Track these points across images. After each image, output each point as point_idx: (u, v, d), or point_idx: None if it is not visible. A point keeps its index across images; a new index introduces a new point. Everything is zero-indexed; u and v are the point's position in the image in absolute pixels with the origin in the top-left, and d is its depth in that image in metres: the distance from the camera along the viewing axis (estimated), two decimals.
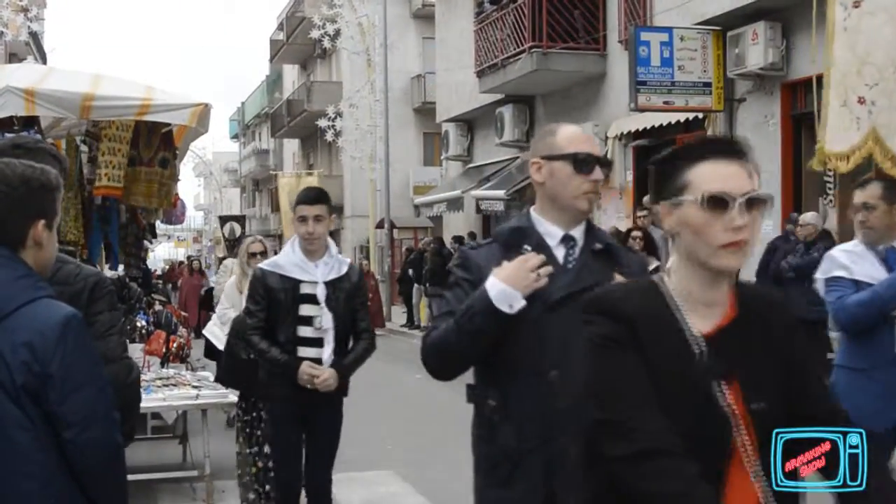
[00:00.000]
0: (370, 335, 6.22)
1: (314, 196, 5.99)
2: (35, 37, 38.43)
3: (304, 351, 5.94)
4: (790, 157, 15.02)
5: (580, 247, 3.49)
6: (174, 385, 8.57)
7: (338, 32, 30.55)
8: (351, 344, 6.16)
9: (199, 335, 12.87)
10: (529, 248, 3.37)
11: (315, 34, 30.48)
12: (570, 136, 3.50)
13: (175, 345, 10.59)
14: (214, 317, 9.42)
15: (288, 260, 5.99)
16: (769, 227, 14.62)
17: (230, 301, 8.65)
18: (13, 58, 35.91)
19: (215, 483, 8.31)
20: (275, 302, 5.94)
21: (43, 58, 38.83)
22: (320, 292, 5.94)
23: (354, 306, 6.10)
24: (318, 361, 5.93)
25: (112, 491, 3.04)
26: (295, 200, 6.01)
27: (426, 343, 3.49)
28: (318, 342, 5.96)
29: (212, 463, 8.21)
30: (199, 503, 8.29)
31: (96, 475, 2.95)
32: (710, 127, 16.45)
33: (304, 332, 5.95)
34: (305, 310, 5.94)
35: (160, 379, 8.82)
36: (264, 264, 6.22)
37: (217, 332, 9.10)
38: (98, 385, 2.94)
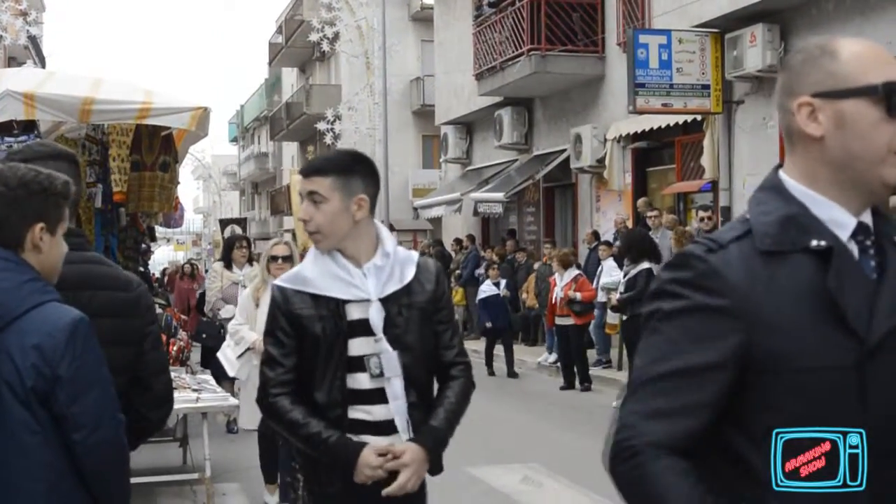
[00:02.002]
0: (465, 367, 3.88)
1: (313, 163, 3.85)
2: (34, 41, 38.46)
3: (359, 413, 3.71)
4: None
5: (876, 241, 2.13)
6: (175, 388, 8.57)
7: (336, 35, 30.56)
8: (436, 388, 3.92)
9: (195, 339, 12.86)
10: (821, 244, 2.03)
11: (314, 37, 30.48)
12: (867, 56, 2.12)
13: (175, 348, 10.59)
14: (228, 338, 8.47)
15: (319, 270, 3.72)
16: None
17: (245, 314, 7.97)
18: (12, 62, 35.95)
19: (216, 486, 8.33)
20: (308, 338, 3.67)
21: (42, 62, 38.85)
22: (376, 315, 3.67)
23: (435, 328, 3.81)
24: (385, 428, 3.70)
25: (117, 492, 3.08)
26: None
27: (628, 464, 2.03)
28: (379, 396, 3.70)
29: (212, 466, 8.21)
30: None
31: (103, 476, 2.99)
32: (708, 129, 16.48)
33: (359, 381, 3.69)
34: (358, 346, 3.67)
35: None
36: (284, 280, 3.82)
37: (230, 354, 8.34)
38: (105, 387, 2.97)
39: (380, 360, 3.67)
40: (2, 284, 2.88)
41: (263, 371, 3.76)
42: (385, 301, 3.70)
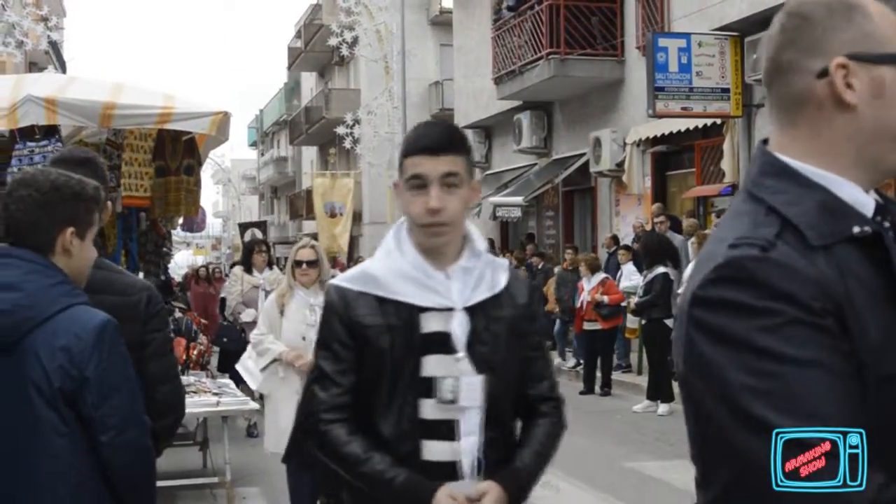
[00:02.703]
0: (557, 405, 3.19)
1: (441, 137, 2.99)
2: (55, 46, 38.68)
3: (432, 449, 2.96)
4: None
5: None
6: (195, 392, 8.60)
7: (356, 40, 30.60)
8: (519, 426, 3.20)
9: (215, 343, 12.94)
10: (866, 230, 1.78)
11: (333, 42, 30.51)
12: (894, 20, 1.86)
13: (195, 352, 10.63)
14: (249, 348, 7.97)
15: (390, 268, 3.03)
16: None
17: (268, 323, 7.36)
18: (33, 67, 36.16)
19: (236, 490, 8.35)
20: (372, 353, 2.97)
21: (62, 67, 39.04)
22: (459, 328, 2.96)
23: (525, 354, 3.11)
24: (443, 472, 2.94)
25: (143, 493, 3.11)
26: (403, 148, 3.05)
27: None
28: (445, 430, 2.97)
29: (232, 469, 8.24)
30: None
31: (129, 478, 3.01)
32: (728, 133, 16.43)
33: (431, 410, 2.96)
34: (433, 365, 2.95)
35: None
36: (345, 279, 3.12)
37: (252, 367, 7.86)
38: (131, 389, 3.00)
39: (458, 383, 2.92)
40: (31, 287, 2.91)
41: (314, 391, 3.02)
42: (471, 311, 2.98)
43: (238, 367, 8.43)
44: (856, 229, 1.76)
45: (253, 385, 8.02)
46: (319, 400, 3.00)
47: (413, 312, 2.95)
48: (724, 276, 1.74)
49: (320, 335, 3.11)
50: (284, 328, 7.22)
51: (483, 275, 3.04)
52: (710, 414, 1.75)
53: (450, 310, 2.96)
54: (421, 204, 2.93)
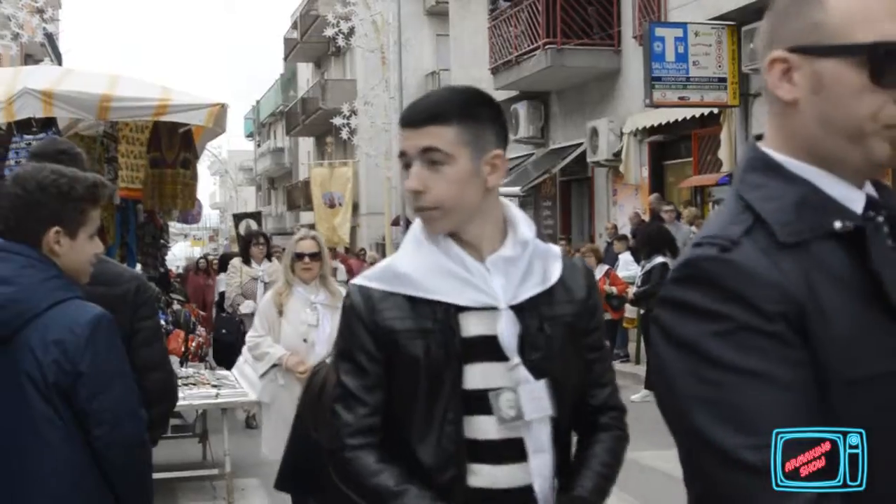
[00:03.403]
0: (619, 415, 2.69)
1: (427, 107, 2.51)
2: (50, 38, 38.56)
3: (479, 477, 2.48)
4: None
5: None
6: (193, 384, 8.60)
7: (352, 30, 30.54)
8: (574, 441, 2.69)
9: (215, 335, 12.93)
10: (848, 225, 1.71)
11: (329, 32, 30.45)
12: (860, 7, 1.73)
13: (194, 344, 10.62)
14: (245, 350, 7.28)
15: (422, 263, 2.54)
16: None
17: (265, 324, 6.70)
18: (29, 59, 36.06)
19: (235, 481, 8.35)
20: (404, 363, 2.49)
21: (58, 59, 38.98)
22: (507, 330, 2.47)
23: (584, 354, 2.63)
24: (517, 500, 2.48)
25: (138, 487, 3.11)
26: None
27: None
28: (510, 451, 2.48)
29: (232, 461, 8.24)
30: (220, 501, 8.33)
31: (124, 472, 3.01)
32: (725, 122, 16.44)
33: (480, 428, 2.48)
34: (479, 375, 2.48)
35: (179, 378, 8.86)
36: (369, 277, 2.61)
37: (250, 373, 7.32)
38: (126, 383, 3.00)
39: (517, 395, 2.44)
40: (24, 281, 2.92)
41: (336, 413, 2.53)
42: (519, 310, 2.49)
43: (234, 372, 8.00)
44: (837, 224, 1.69)
45: (251, 394, 7.50)
46: (343, 423, 2.51)
47: (451, 313, 2.47)
48: (682, 277, 1.71)
49: (341, 345, 2.60)
50: (284, 329, 6.61)
51: (531, 266, 2.54)
52: (668, 418, 1.74)
53: (494, 309, 2.47)
54: (407, 185, 2.51)
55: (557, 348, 2.50)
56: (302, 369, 6.30)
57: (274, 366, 6.64)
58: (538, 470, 2.48)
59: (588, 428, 2.64)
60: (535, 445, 2.48)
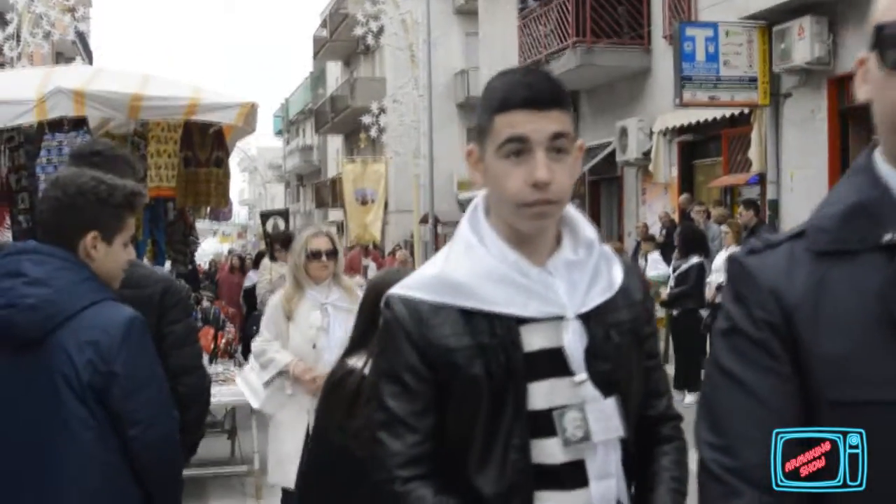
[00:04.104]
0: (678, 425, 2.49)
1: (548, 87, 2.22)
2: (82, 36, 38.83)
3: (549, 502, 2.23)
4: (837, 153, 14.89)
5: None
6: (223, 381, 8.64)
7: (381, 29, 30.57)
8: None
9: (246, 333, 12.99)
10: (894, 238, 1.60)
11: (358, 31, 30.49)
12: None
13: (223, 341, 10.67)
14: (251, 359, 6.85)
15: (477, 268, 2.26)
16: None
17: (273, 330, 6.20)
18: (60, 57, 36.30)
19: (264, 478, 8.38)
20: (463, 385, 2.22)
21: (89, 57, 39.21)
22: (574, 342, 2.24)
23: (644, 362, 2.40)
24: None
25: (170, 487, 3.13)
26: (491, 102, 2.25)
27: None
28: (574, 476, 2.24)
29: (261, 458, 8.27)
30: (249, 498, 8.37)
31: (157, 472, 3.03)
32: (755, 122, 16.35)
33: (545, 452, 2.23)
34: (545, 393, 2.23)
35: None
36: (413, 286, 2.31)
37: (254, 381, 6.77)
38: (159, 384, 3.03)
39: (584, 414, 2.21)
40: (59, 283, 2.94)
41: (382, 441, 2.25)
42: (584, 319, 2.24)
43: (237, 380, 7.46)
44: (886, 237, 1.59)
45: (254, 403, 6.84)
46: (391, 453, 2.23)
47: (512, 326, 2.20)
48: (727, 273, 1.80)
49: (383, 365, 2.33)
50: (292, 334, 6.10)
51: (598, 270, 2.30)
52: None
53: (559, 319, 2.22)
54: (521, 176, 2.17)
55: (623, 358, 2.29)
56: (309, 377, 5.90)
57: (281, 373, 6.12)
58: (602, 496, 2.24)
59: (648, 440, 2.40)
60: (599, 469, 2.24)
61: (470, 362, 2.19)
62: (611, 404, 2.24)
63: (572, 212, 2.36)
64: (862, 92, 1.70)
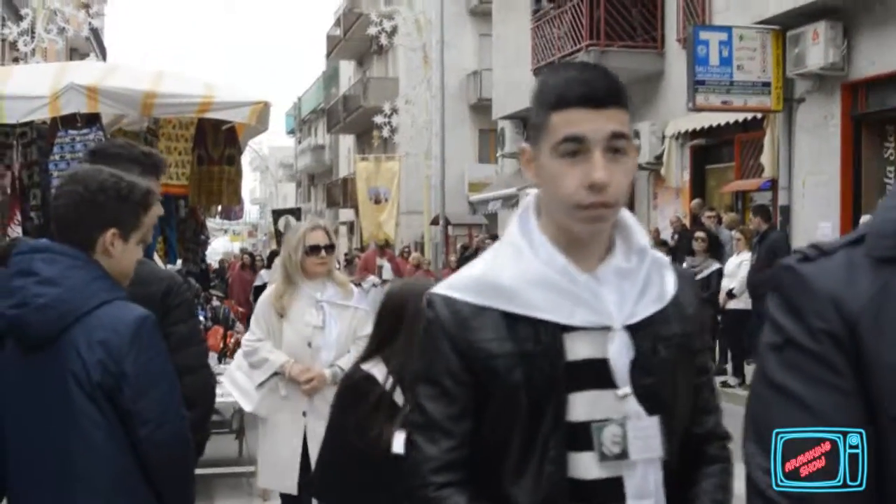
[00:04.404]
0: (725, 444, 2.34)
1: (607, 84, 2.15)
2: (96, 33, 38.95)
3: None
4: (850, 158, 14.87)
5: None
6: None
7: (395, 29, 30.64)
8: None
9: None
10: None
11: (372, 30, 30.59)
12: None
13: (232, 340, 10.66)
14: (238, 356, 6.66)
15: (524, 272, 2.16)
16: (828, 228, 14.50)
17: (264, 328, 5.87)
18: (74, 53, 36.43)
19: None
20: (501, 392, 2.13)
21: (103, 53, 39.32)
22: (619, 354, 2.13)
23: (694, 378, 2.28)
24: None
25: (180, 487, 3.13)
26: (547, 98, 2.20)
27: None
28: (611, 494, 2.13)
29: None
30: (255, 499, 8.35)
31: (167, 471, 3.03)
32: (768, 127, 16.32)
33: (585, 466, 2.13)
34: (585, 405, 2.13)
35: (218, 374, 8.88)
36: (454, 287, 2.22)
37: (244, 382, 6.41)
38: (170, 383, 3.02)
39: (624, 430, 2.11)
40: (70, 282, 2.94)
41: (416, 444, 2.20)
42: (632, 330, 2.14)
43: (224, 380, 6.82)
44: None
45: (247, 406, 6.40)
46: (425, 455, 2.17)
47: (556, 333, 2.11)
48: (773, 282, 1.66)
49: (421, 366, 2.25)
50: (286, 333, 5.80)
51: (649, 279, 2.19)
52: None
53: (606, 329, 2.12)
54: (578, 177, 2.08)
55: (670, 373, 2.17)
56: (306, 378, 5.67)
57: (274, 374, 5.81)
58: None
59: (693, 459, 2.27)
60: (638, 488, 2.12)
61: (511, 369, 2.10)
62: (653, 423, 2.13)
63: (626, 216, 2.24)
64: None
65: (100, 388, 2.88)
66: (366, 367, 4.10)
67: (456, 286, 2.20)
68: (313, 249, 5.70)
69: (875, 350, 1.52)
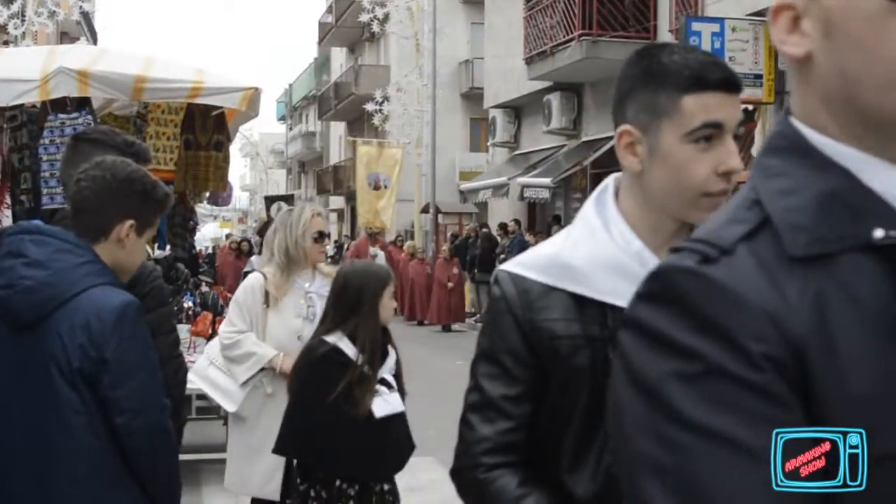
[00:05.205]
0: None
1: (732, 72, 2.09)
2: (87, 16, 38.77)
3: None
4: None
5: None
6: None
7: (387, 16, 30.56)
8: None
9: None
10: (891, 236, 1.18)
11: (364, 18, 30.51)
12: None
13: (220, 327, 10.64)
14: (210, 349, 6.12)
15: (597, 255, 2.07)
16: None
17: (246, 319, 5.43)
18: (65, 37, 36.26)
19: None
20: (564, 376, 2.07)
21: (94, 38, 39.16)
22: None
23: None
24: None
25: (163, 475, 3.11)
26: (678, 79, 2.04)
27: None
28: None
29: None
30: None
31: (147, 459, 3.02)
32: (760, 119, 16.33)
33: None
34: None
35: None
36: (523, 265, 2.15)
37: (222, 380, 5.68)
38: (151, 371, 3.00)
39: None
40: (58, 265, 2.93)
41: (470, 423, 2.12)
42: None
43: (194, 378, 5.79)
44: (878, 234, 1.19)
45: (230, 406, 5.65)
46: (479, 436, 2.08)
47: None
48: (651, 292, 1.26)
49: (484, 343, 2.15)
50: (272, 324, 5.42)
51: None
52: (620, 472, 1.29)
53: None
54: (710, 163, 2.03)
55: None
56: None
57: (262, 370, 5.42)
58: None
59: None
60: None
61: (574, 352, 2.03)
62: None
63: None
64: (794, 45, 1.29)
65: (80, 373, 2.86)
66: (330, 339, 4.51)
67: (526, 264, 2.14)
68: (320, 236, 5.47)
69: (830, 379, 1.24)
